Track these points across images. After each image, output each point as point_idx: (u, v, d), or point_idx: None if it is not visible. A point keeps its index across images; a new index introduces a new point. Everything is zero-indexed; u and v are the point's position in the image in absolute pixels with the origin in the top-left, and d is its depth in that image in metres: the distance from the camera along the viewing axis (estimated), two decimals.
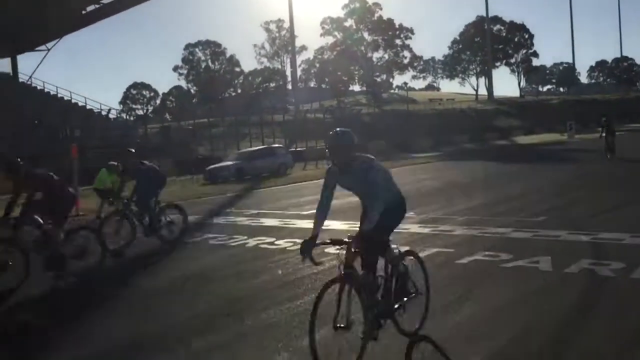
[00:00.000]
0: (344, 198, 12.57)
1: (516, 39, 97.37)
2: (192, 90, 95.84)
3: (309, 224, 10.95)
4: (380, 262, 4.36)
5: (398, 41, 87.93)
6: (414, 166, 28.25)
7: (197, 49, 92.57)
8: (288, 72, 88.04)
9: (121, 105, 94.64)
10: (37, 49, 47.33)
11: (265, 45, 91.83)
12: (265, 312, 5.47)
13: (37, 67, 63.66)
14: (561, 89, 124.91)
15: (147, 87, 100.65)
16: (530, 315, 4.92)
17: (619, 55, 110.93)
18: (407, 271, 4.63)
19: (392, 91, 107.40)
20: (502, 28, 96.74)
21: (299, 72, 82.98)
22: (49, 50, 47.18)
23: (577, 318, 4.88)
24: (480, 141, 56.59)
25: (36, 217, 7.61)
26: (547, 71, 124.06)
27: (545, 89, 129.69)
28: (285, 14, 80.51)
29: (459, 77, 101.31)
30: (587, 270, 6.23)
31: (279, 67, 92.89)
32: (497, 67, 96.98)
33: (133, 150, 10.52)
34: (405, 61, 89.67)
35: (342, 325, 3.94)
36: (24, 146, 33.86)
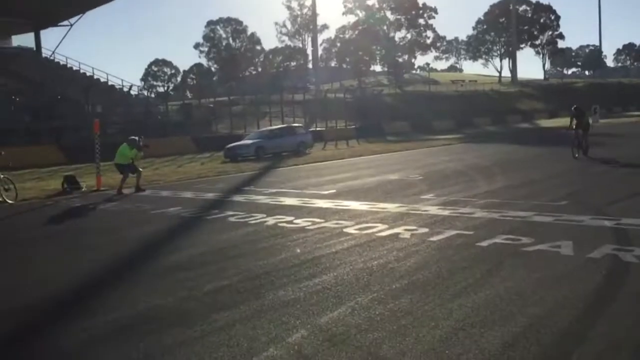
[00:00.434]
0: (363, 178, 12.47)
1: (542, 20, 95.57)
2: (212, 68, 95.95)
3: (327, 203, 10.95)
4: None
5: (421, 20, 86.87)
6: (436, 148, 28.06)
7: (218, 27, 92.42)
8: (309, 51, 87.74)
9: (142, 82, 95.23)
10: (60, 24, 47.55)
11: (286, 24, 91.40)
12: (283, 289, 5.50)
13: (60, 42, 64.31)
14: (586, 72, 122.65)
15: (168, 64, 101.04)
16: (553, 299, 4.87)
17: None
18: None
19: (414, 72, 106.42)
20: (528, 9, 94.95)
21: (320, 51, 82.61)
22: (71, 25, 47.43)
23: (599, 304, 4.82)
24: (502, 124, 55.96)
25: None
26: (573, 54, 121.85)
27: (570, 71, 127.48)
28: None
29: (482, 58, 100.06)
30: (610, 255, 6.15)
31: (300, 45, 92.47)
32: (522, 48, 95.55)
33: None
34: (428, 41, 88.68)
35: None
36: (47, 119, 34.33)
